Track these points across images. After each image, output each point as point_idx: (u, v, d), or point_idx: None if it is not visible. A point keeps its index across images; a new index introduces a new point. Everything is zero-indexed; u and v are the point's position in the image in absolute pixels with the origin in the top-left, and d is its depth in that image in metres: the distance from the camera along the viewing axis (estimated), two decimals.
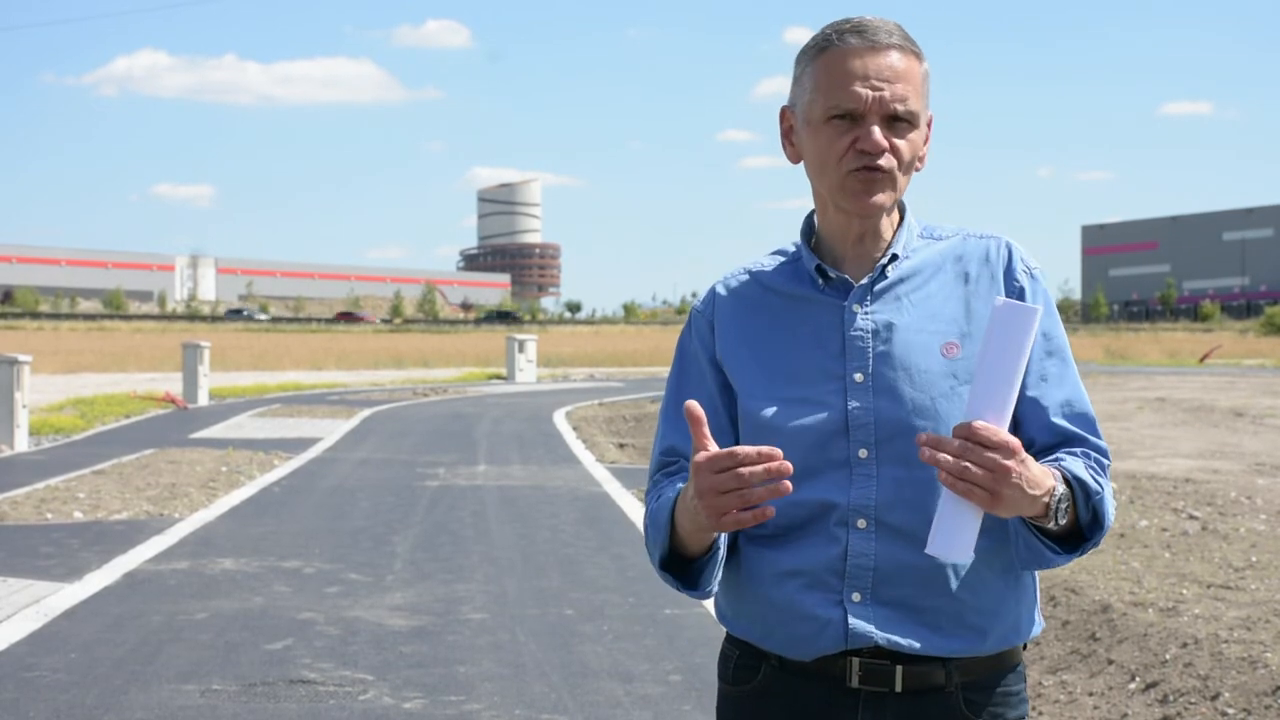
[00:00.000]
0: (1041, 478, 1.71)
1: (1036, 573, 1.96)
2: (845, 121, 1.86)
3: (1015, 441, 1.67)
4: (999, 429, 1.67)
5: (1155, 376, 34.34)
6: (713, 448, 1.72)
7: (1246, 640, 5.27)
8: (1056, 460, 1.81)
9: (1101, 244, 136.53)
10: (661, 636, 6.09)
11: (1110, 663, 5.41)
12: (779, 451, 1.69)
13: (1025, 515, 1.73)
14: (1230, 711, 4.66)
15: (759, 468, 1.68)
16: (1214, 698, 4.79)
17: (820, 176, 1.91)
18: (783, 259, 2.01)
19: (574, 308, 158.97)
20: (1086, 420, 1.89)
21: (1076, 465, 1.81)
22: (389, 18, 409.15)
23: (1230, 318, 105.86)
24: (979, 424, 1.66)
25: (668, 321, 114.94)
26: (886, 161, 1.86)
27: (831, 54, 1.88)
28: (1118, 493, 10.10)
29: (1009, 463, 1.66)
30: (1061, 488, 1.74)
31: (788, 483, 1.69)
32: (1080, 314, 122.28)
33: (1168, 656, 5.25)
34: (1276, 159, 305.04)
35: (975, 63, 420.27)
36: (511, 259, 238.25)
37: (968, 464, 1.65)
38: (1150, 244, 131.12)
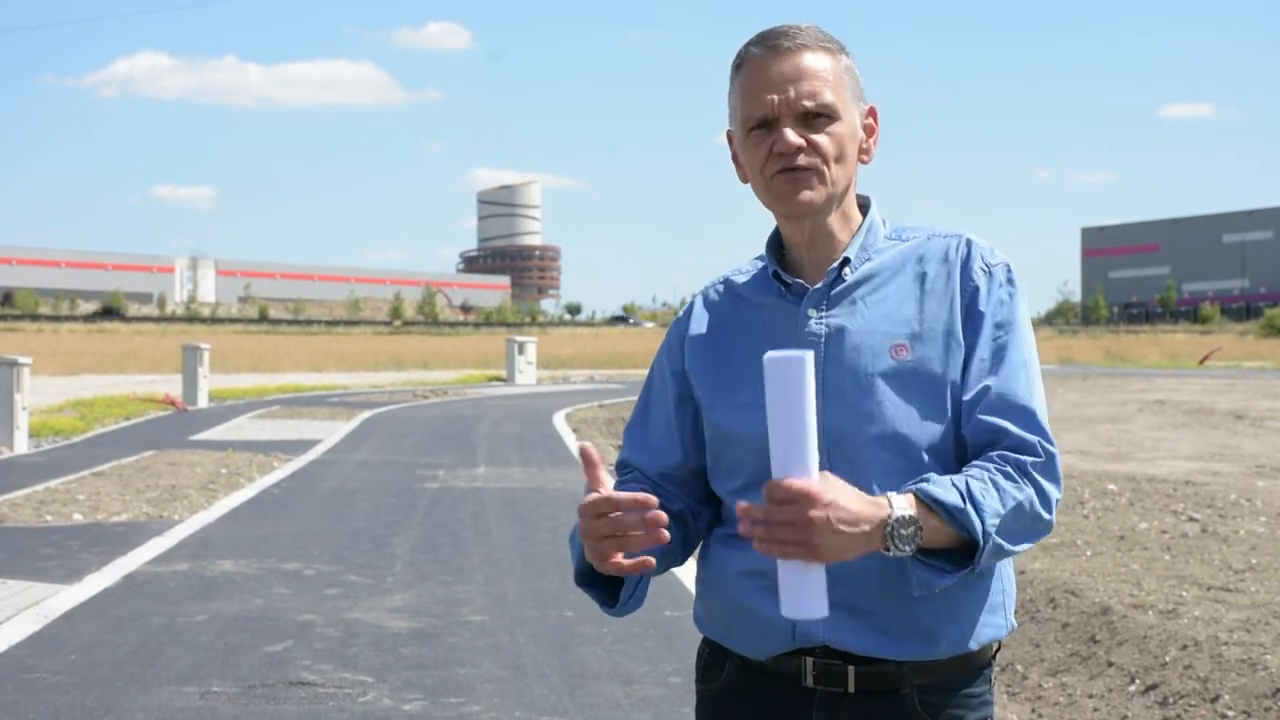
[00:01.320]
0: (861, 512, 1.66)
1: (1010, 575, 1.93)
2: (763, 130, 1.90)
3: (814, 488, 1.62)
4: (794, 480, 1.62)
5: (1155, 379, 34.34)
6: (604, 490, 1.75)
7: (1246, 642, 5.27)
8: (921, 482, 1.75)
9: (1101, 246, 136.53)
10: (661, 638, 6.09)
11: (1110, 665, 5.41)
12: (654, 500, 1.72)
13: (861, 553, 1.68)
14: (1230, 714, 4.66)
15: (632, 516, 1.72)
16: (1214, 700, 4.79)
17: (755, 187, 1.95)
18: (760, 265, 2.04)
19: (574, 309, 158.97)
20: (1022, 413, 1.83)
21: (944, 484, 1.75)
22: (390, 19, 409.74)
23: (1230, 320, 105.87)
24: (773, 482, 1.63)
25: (668, 324, 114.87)
26: (804, 159, 1.88)
27: (743, 70, 1.93)
28: (1117, 494, 10.09)
29: (812, 513, 1.62)
30: (900, 513, 1.69)
31: (665, 533, 1.72)
32: (1080, 316, 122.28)
33: (1168, 659, 5.25)
34: (1277, 161, 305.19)
35: (975, 64, 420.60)
36: (511, 261, 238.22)
37: (774, 524, 1.63)
38: (1150, 246, 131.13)
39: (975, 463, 1.81)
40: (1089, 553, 7.55)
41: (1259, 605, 6.00)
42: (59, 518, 9.83)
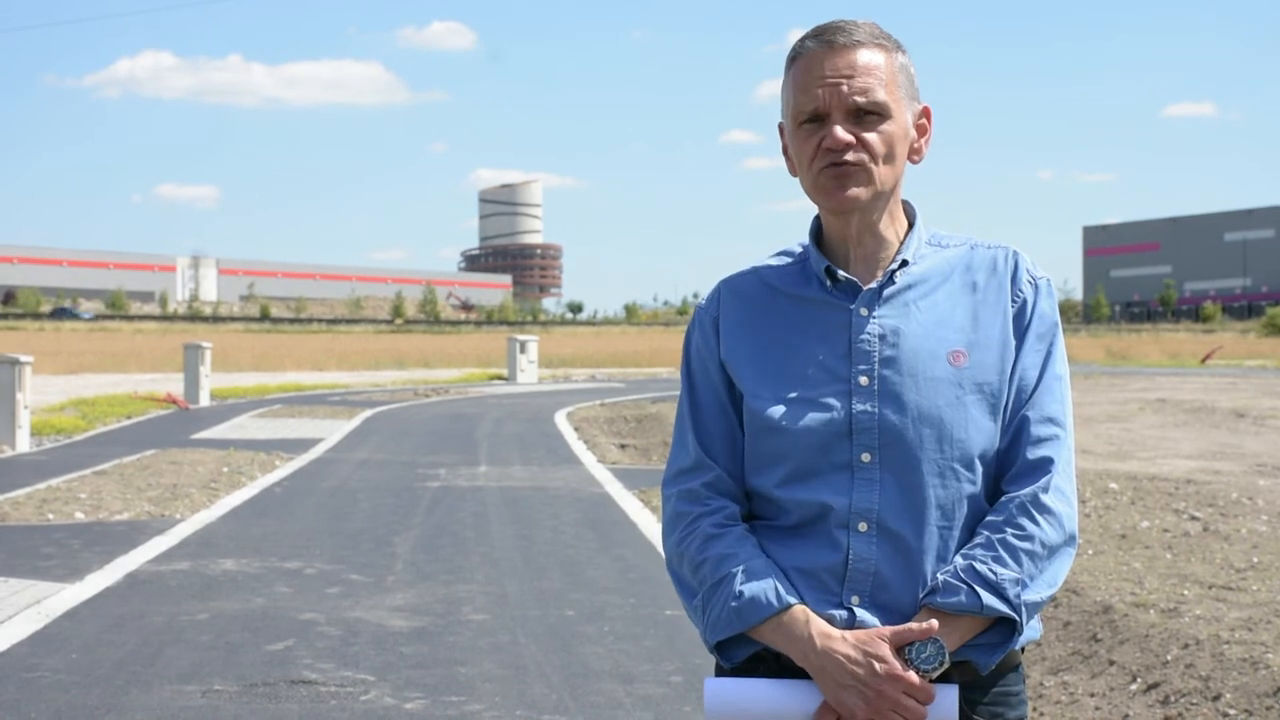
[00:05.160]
0: (903, 684, 1.81)
1: None
2: (814, 124, 1.91)
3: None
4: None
5: (1156, 377, 34.32)
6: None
7: (1248, 641, 5.27)
8: (930, 595, 1.85)
9: (1103, 245, 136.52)
10: (662, 637, 6.09)
11: (1112, 664, 5.41)
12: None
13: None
14: (1231, 712, 4.66)
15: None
16: (1215, 698, 4.79)
17: (803, 180, 1.95)
18: (789, 260, 2.02)
19: (575, 308, 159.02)
20: (1048, 426, 1.92)
21: (951, 587, 1.84)
22: (393, 19, 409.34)
23: (1231, 319, 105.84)
24: None
25: (669, 322, 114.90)
26: (853, 156, 1.88)
27: (798, 62, 1.93)
28: (1118, 493, 10.09)
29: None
30: (928, 650, 1.82)
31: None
32: (1082, 315, 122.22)
33: (1169, 657, 5.25)
34: (1278, 160, 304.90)
35: (977, 64, 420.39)
36: (513, 260, 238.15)
37: None
38: (1152, 245, 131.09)
39: (981, 527, 1.88)
40: (1090, 551, 7.55)
41: (1260, 604, 6.00)
42: (61, 516, 9.84)
